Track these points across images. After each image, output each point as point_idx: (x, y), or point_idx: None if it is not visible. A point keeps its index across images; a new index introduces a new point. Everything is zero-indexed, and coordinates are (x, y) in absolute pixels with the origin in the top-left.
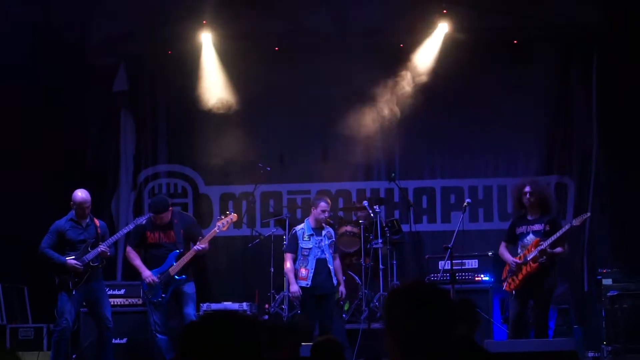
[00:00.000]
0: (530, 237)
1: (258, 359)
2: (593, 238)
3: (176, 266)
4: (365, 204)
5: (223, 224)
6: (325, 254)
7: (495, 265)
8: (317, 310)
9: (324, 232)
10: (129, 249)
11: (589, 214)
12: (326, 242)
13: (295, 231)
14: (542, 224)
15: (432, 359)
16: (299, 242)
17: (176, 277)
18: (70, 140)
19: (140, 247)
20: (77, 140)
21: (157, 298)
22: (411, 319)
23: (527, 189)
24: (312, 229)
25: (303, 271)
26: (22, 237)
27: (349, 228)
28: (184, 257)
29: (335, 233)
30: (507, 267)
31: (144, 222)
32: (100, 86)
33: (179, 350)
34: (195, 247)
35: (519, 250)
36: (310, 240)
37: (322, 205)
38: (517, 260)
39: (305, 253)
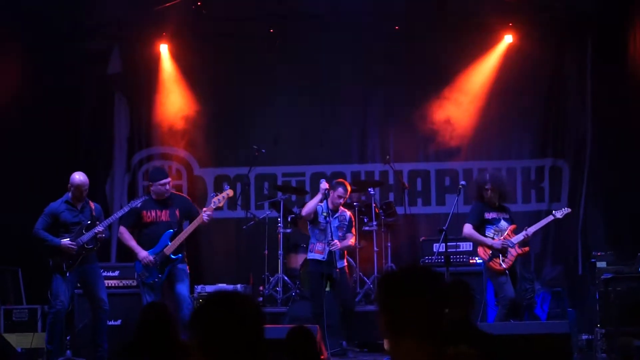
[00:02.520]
0: (504, 224)
1: (262, 339)
2: (587, 221)
3: (172, 245)
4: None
5: (219, 199)
6: (332, 237)
7: None
8: (327, 289)
9: (336, 215)
10: (122, 229)
11: (569, 210)
12: (335, 225)
13: (317, 207)
14: (507, 212)
15: (423, 340)
16: (319, 216)
17: (172, 256)
18: (64, 123)
19: (135, 227)
20: (71, 122)
21: (153, 279)
22: (402, 301)
23: (489, 186)
24: (329, 209)
25: (319, 245)
26: (15, 219)
27: None
28: (181, 234)
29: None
30: (483, 249)
31: (139, 205)
32: (94, 69)
33: (189, 330)
34: (202, 215)
35: (492, 235)
36: (325, 219)
37: (339, 191)
38: (507, 241)
39: (322, 227)
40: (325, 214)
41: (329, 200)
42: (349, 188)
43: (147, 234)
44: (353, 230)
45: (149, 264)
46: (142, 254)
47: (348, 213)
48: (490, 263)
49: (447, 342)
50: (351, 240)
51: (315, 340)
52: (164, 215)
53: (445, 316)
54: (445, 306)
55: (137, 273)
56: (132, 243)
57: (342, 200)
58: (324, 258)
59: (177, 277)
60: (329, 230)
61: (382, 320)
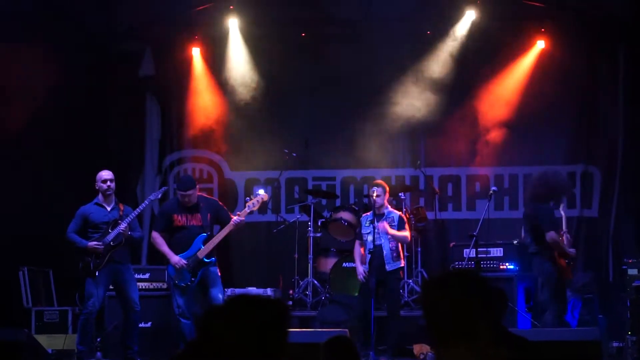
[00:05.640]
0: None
1: (281, 343)
2: (618, 228)
3: (205, 249)
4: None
5: (254, 203)
6: (381, 240)
7: (521, 253)
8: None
9: (383, 218)
10: (155, 234)
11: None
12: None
13: (362, 217)
14: None
15: (470, 343)
16: (362, 228)
17: (205, 259)
18: (96, 125)
19: (166, 231)
20: (103, 125)
21: (186, 282)
22: (451, 305)
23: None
24: (374, 215)
25: (365, 256)
26: (46, 221)
27: (345, 215)
28: (214, 238)
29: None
30: (563, 261)
31: (159, 196)
32: (126, 71)
33: (198, 333)
34: (233, 220)
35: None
36: (369, 226)
37: (372, 190)
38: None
39: (365, 238)
40: (368, 222)
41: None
42: (384, 185)
43: (179, 238)
44: (406, 227)
45: (182, 268)
46: (175, 258)
47: (397, 214)
48: (566, 273)
49: (490, 346)
50: (404, 233)
51: (357, 351)
52: (194, 220)
53: (490, 320)
54: (491, 310)
55: (170, 276)
56: (165, 248)
57: (380, 200)
58: (366, 269)
59: (210, 281)
60: (370, 238)
61: (430, 325)
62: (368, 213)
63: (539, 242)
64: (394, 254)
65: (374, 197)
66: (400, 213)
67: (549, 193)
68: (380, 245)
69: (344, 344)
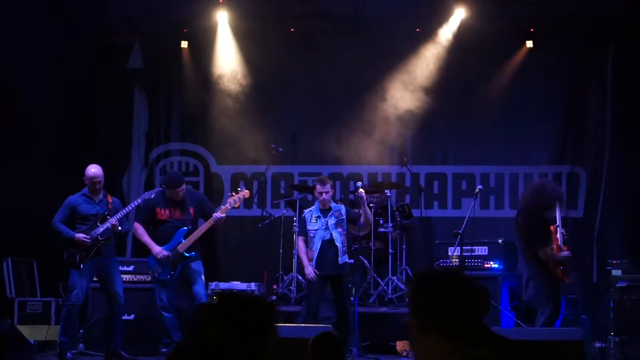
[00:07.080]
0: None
1: (269, 343)
2: (603, 228)
3: (185, 243)
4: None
5: (235, 200)
6: (332, 235)
7: (505, 252)
8: (323, 292)
9: (330, 212)
10: (137, 224)
11: None
12: (333, 222)
13: (304, 213)
14: None
15: (453, 341)
16: (307, 224)
17: (185, 254)
18: (83, 117)
19: (149, 223)
20: (90, 116)
21: (166, 275)
22: (439, 302)
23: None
24: (320, 210)
25: (309, 253)
26: (32, 211)
27: None
28: (195, 232)
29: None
30: (558, 269)
31: (152, 196)
32: (115, 63)
33: (190, 329)
34: (214, 216)
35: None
36: (317, 222)
37: (317, 187)
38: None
39: (312, 235)
40: (314, 218)
41: (319, 202)
42: (326, 180)
43: (161, 231)
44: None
45: (163, 259)
46: (156, 249)
47: (342, 205)
48: (563, 279)
49: (472, 345)
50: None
51: (342, 347)
52: (177, 213)
53: (474, 318)
54: (474, 309)
55: (150, 268)
56: (146, 238)
57: (325, 196)
58: (313, 265)
59: (191, 277)
60: (319, 235)
61: (414, 321)
62: (310, 208)
63: (531, 250)
64: (344, 248)
65: (324, 196)
66: (344, 205)
67: (539, 205)
68: (330, 240)
69: (330, 340)
